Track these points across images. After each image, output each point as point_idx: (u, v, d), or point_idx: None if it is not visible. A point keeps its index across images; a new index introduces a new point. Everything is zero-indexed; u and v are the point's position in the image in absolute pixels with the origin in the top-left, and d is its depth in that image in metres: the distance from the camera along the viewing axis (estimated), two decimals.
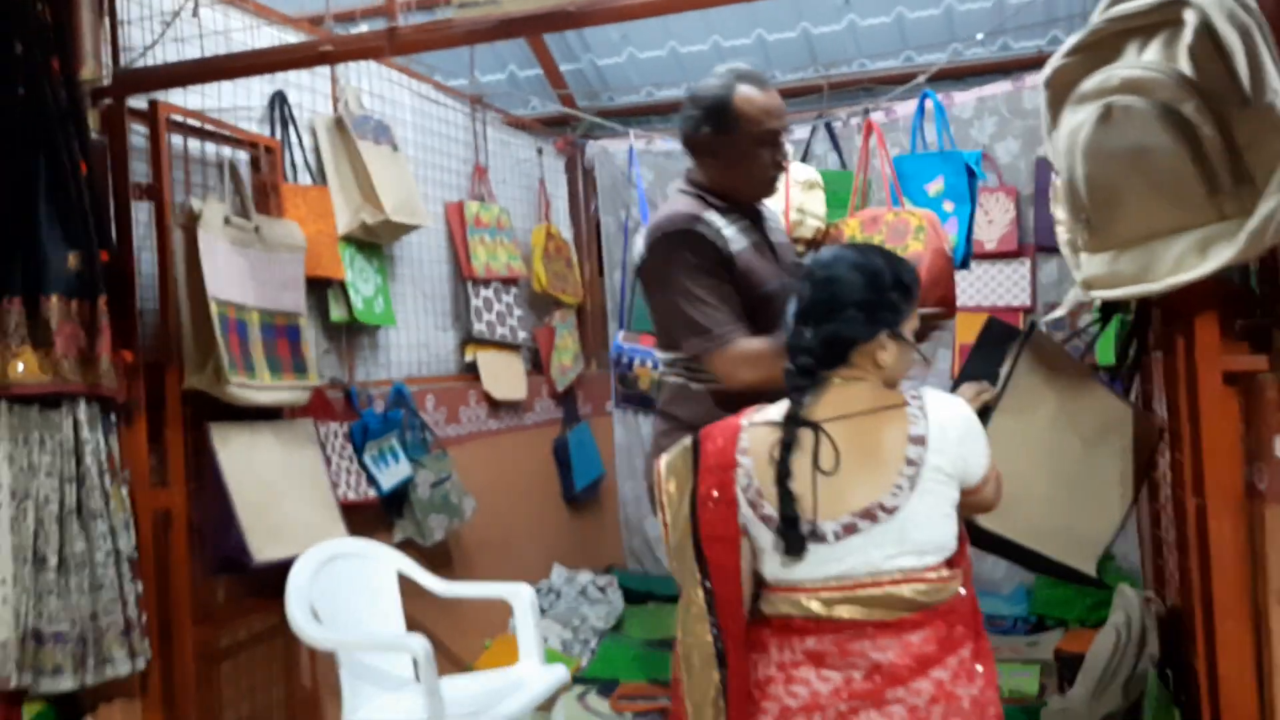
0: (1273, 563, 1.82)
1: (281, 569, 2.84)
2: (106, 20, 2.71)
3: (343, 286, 3.49)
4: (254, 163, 3.16)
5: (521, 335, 4.53)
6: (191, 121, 2.89)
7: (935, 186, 2.94)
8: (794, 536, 1.67)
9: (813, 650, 1.66)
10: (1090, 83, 1.86)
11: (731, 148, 2.29)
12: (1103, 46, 1.87)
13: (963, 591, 1.69)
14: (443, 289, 4.26)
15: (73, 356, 2.51)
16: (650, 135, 5.23)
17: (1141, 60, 1.79)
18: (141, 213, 2.77)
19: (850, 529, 1.65)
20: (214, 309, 2.73)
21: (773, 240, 2.43)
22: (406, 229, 3.66)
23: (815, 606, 1.66)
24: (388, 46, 2.39)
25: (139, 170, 2.77)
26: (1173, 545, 2.61)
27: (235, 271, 2.87)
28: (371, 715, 2.74)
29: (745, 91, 2.27)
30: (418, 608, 3.21)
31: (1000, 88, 4.67)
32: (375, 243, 3.69)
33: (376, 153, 3.58)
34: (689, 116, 2.34)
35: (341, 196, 3.52)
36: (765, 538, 1.71)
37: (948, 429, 1.67)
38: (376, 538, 3.29)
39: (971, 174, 2.86)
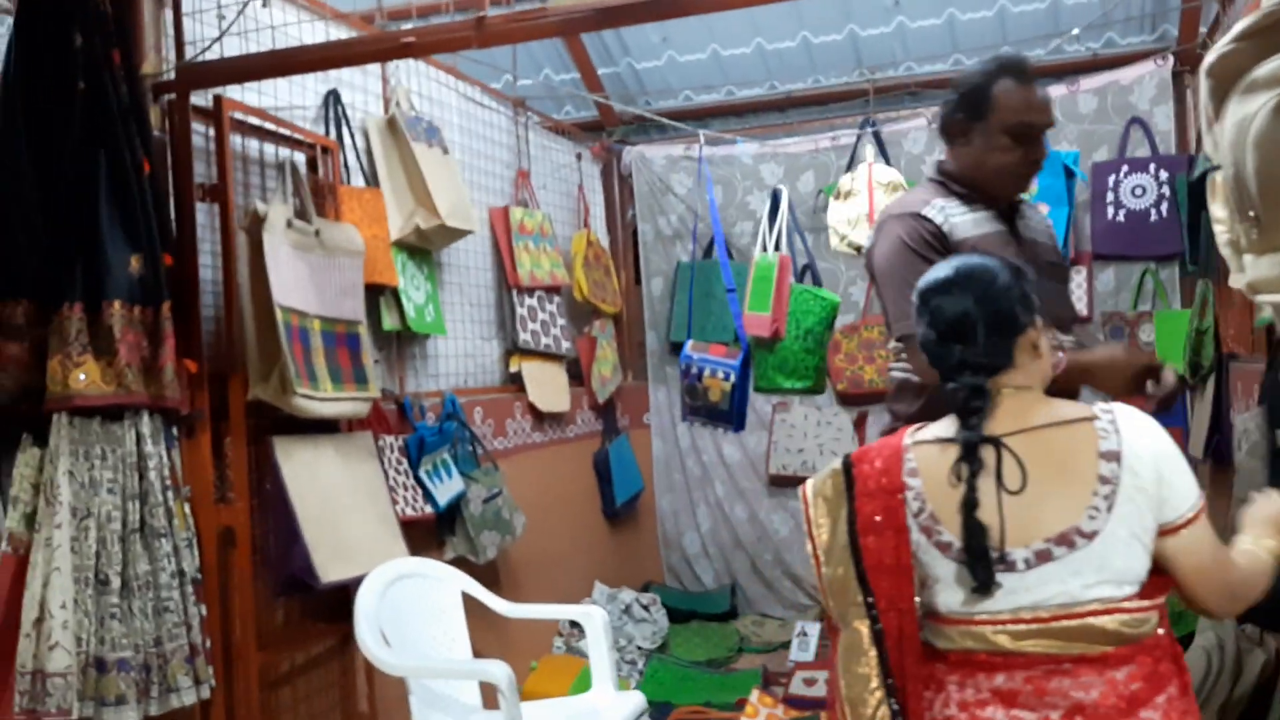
0: None
1: (338, 590, 2.70)
2: (168, 12, 2.56)
3: (395, 294, 3.35)
4: (310, 163, 3.02)
5: (565, 345, 4.39)
6: (252, 119, 2.74)
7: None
8: (984, 569, 1.52)
9: (1002, 688, 1.52)
10: (1264, 69, 1.73)
11: (983, 136, 2.20)
12: (1276, 31, 1.74)
13: (1161, 629, 1.55)
14: (486, 297, 4.11)
15: (136, 366, 2.36)
16: (690, 140, 5.12)
17: None
18: (200, 214, 2.62)
19: (1044, 556, 1.50)
20: (280, 316, 2.59)
21: (1025, 236, 2.28)
22: (459, 234, 3.52)
23: (1004, 641, 1.51)
24: (475, 37, 2.24)
25: (198, 170, 2.62)
26: None
27: (297, 277, 2.72)
28: None
29: (1006, 82, 2.17)
30: None
31: (1054, 91, 4.55)
32: (426, 248, 3.54)
33: (429, 155, 3.44)
34: (948, 100, 2.27)
35: (394, 200, 3.37)
36: (941, 567, 1.56)
37: (1142, 446, 1.52)
38: (429, 556, 3.14)
39: (1070, 174, 2.73)
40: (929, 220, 2.19)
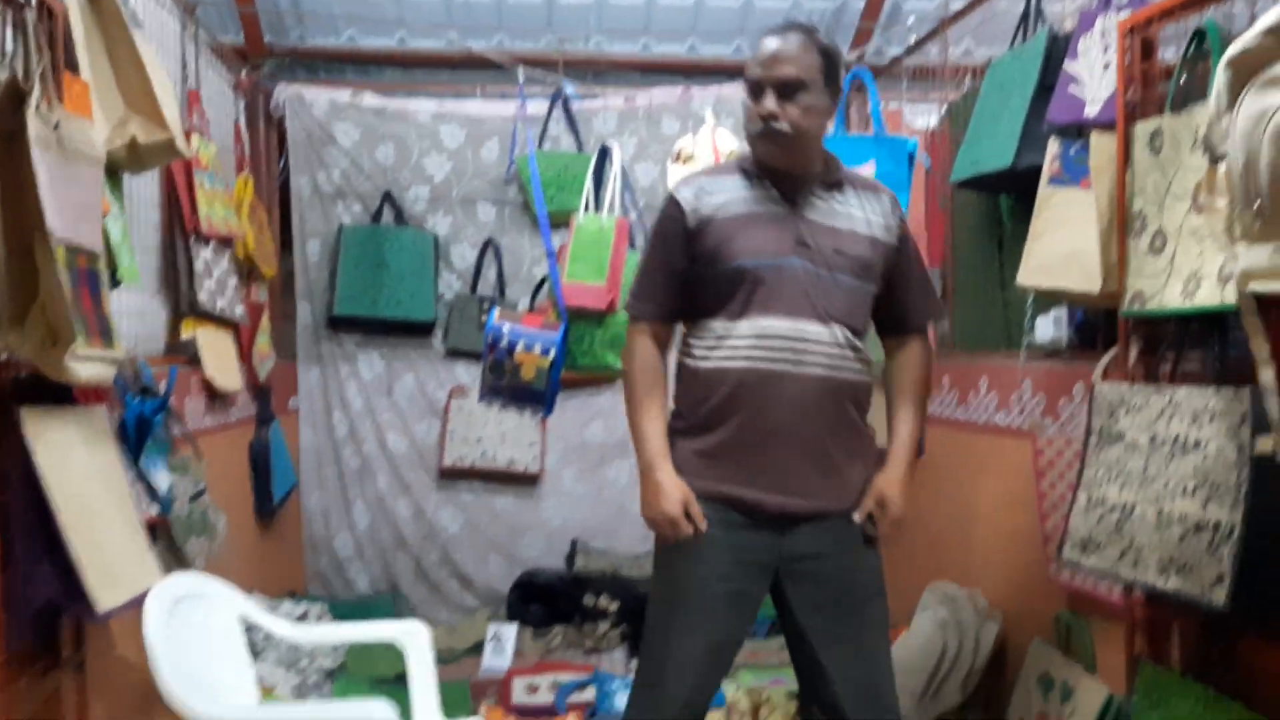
0: None
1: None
2: None
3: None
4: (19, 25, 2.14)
5: (238, 310, 3.63)
6: None
7: (864, 171, 2.78)
8: None
9: None
10: None
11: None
12: None
13: None
14: (152, 242, 3.26)
15: None
16: (359, 85, 4.52)
17: None
18: None
19: None
20: (53, 237, 1.78)
21: (813, 219, 2.17)
22: (173, 157, 2.73)
23: None
24: None
25: None
26: None
27: (40, 184, 1.90)
28: None
29: (763, 39, 2.15)
30: None
31: (738, 89, 4.64)
32: (125, 170, 2.70)
33: (149, 50, 2.63)
34: None
35: (98, 100, 2.52)
36: None
37: None
38: None
39: (910, 160, 2.74)
40: (676, 201, 2.19)
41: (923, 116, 4.42)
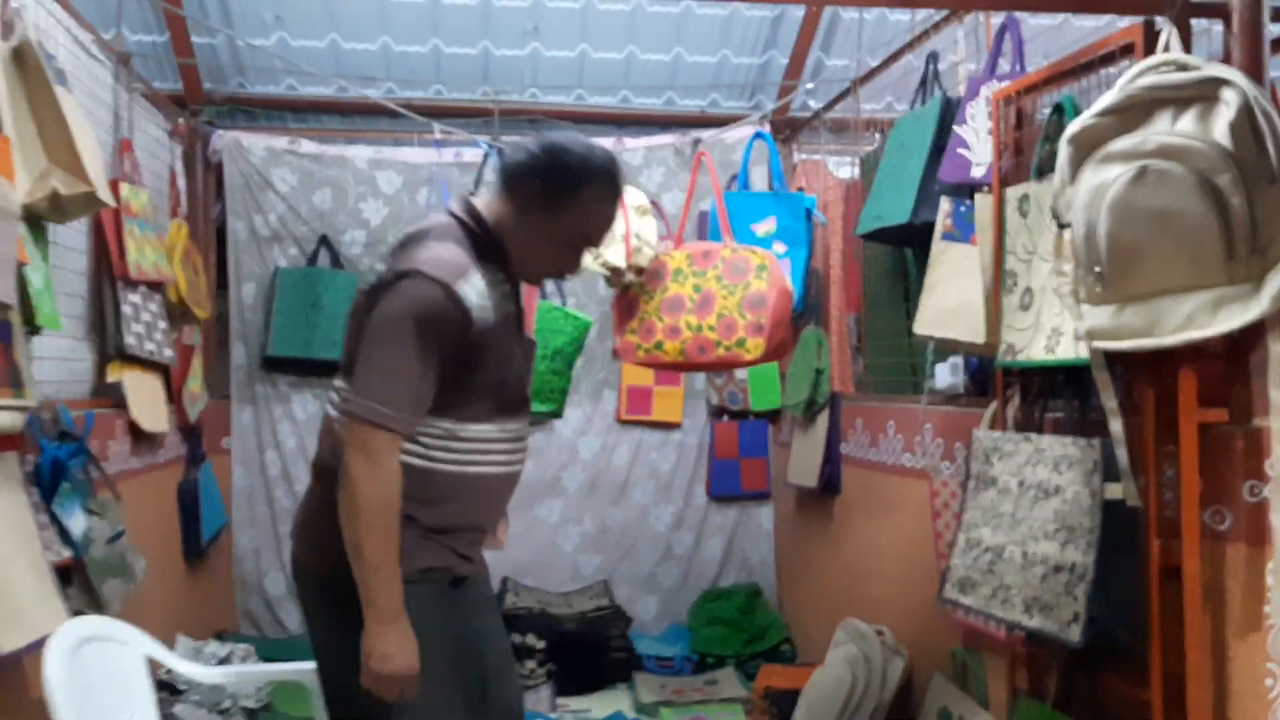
0: (1234, 596, 2.03)
1: None
2: None
3: (19, 275, 2.58)
4: None
5: (167, 353, 3.70)
6: None
7: (765, 227, 2.91)
8: None
9: None
10: (1122, 144, 1.96)
11: (549, 223, 1.98)
12: (1134, 111, 1.98)
13: None
14: (79, 288, 3.33)
15: None
16: (295, 133, 4.63)
17: (1178, 129, 1.93)
18: None
19: None
20: None
21: (519, 314, 2.14)
22: (96, 208, 2.81)
23: None
24: None
25: None
26: None
27: None
28: None
29: (602, 186, 1.98)
30: None
31: (668, 139, 4.81)
32: (48, 221, 2.78)
33: (71, 103, 2.73)
34: (536, 154, 1.97)
35: (20, 154, 2.61)
36: None
37: None
38: None
39: (809, 216, 2.87)
40: (461, 303, 1.87)
41: (846, 168, 4.59)
